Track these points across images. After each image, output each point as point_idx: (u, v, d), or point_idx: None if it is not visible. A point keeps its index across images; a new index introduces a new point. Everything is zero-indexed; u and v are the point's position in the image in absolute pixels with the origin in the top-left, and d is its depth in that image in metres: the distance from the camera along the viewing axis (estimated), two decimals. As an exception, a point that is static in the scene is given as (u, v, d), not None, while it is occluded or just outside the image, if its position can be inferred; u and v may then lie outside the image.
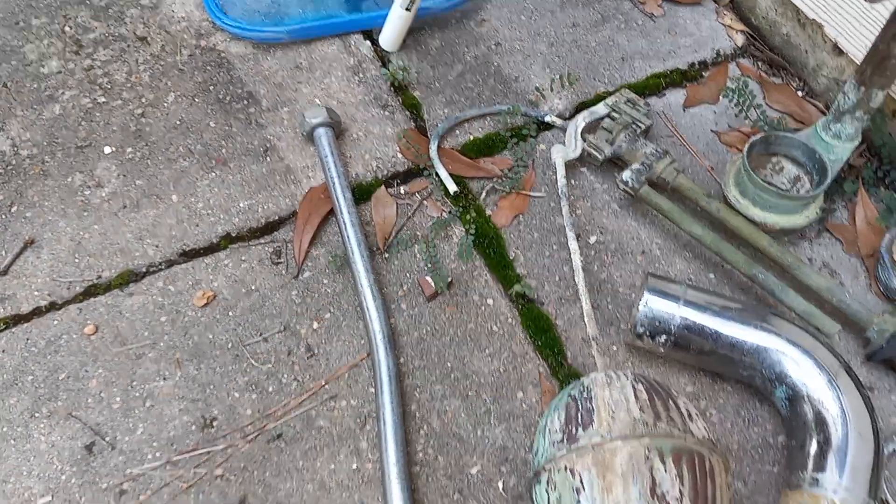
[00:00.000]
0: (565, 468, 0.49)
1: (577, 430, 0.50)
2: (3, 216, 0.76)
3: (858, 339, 0.67)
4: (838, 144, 0.71)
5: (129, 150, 0.80)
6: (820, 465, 0.55)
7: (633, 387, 0.52)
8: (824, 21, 0.79)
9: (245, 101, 0.84)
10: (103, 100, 0.84)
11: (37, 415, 0.65)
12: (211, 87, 0.85)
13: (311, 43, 0.88)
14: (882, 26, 0.62)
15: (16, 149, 0.81)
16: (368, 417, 0.64)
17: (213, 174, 0.78)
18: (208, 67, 0.86)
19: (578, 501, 0.48)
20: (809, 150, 0.71)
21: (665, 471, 0.47)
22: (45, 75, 0.87)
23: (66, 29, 0.91)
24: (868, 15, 0.74)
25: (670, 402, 0.52)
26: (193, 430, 0.64)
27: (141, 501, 0.61)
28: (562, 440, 0.51)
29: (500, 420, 0.64)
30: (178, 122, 0.82)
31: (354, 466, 0.62)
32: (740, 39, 0.87)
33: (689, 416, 0.52)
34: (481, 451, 0.62)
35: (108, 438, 0.64)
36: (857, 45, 0.76)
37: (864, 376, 0.65)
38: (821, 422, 0.57)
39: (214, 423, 0.64)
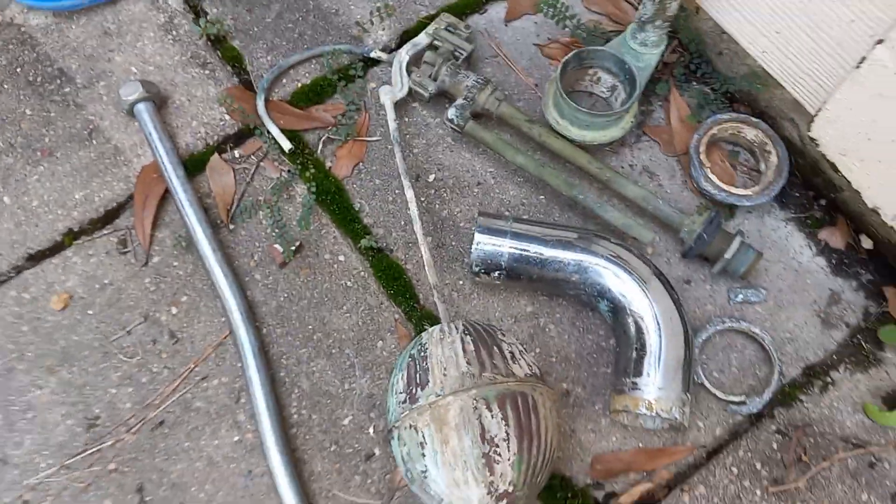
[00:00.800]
0: (410, 426, 0.56)
1: (416, 390, 0.57)
2: None
3: (675, 239, 0.74)
4: (646, 51, 0.75)
5: (-54, 151, 0.78)
6: (638, 371, 0.64)
7: (462, 340, 0.59)
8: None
9: (58, 81, 0.81)
10: None
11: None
12: (18, 70, 0.81)
13: (116, 3, 0.84)
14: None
15: None
16: (241, 391, 0.69)
17: (42, 167, 0.77)
18: (10, 46, 0.82)
19: (423, 454, 0.55)
20: (619, 61, 0.75)
21: (492, 416, 0.55)
22: None
23: None
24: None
25: (494, 348, 0.59)
26: (79, 432, 0.68)
27: (52, 493, 0.66)
28: (405, 401, 0.57)
29: (364, 371, 0.70)
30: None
31: (236, 438, 0.68)
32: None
33: (513, 357, 0.59)
34: (350, 402, 0.69)
35: (6, 447, 0.67)
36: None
37: (682, 271, 0.74)
38: (638, 330, 0.65)
39: (98, 422, 0.68)
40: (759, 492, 0.65)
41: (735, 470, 0.66)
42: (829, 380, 0.69)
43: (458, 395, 0.55)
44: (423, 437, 0.55)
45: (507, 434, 0.55)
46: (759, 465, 0.66)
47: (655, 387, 0.63)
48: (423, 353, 0.59)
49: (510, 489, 0.54)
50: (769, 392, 0.68)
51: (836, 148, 0.67)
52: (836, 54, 0.63)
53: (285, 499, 0.64)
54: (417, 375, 0.58)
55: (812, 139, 0.69)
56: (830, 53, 0.64)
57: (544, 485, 0.60)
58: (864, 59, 0.58)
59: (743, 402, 0.68)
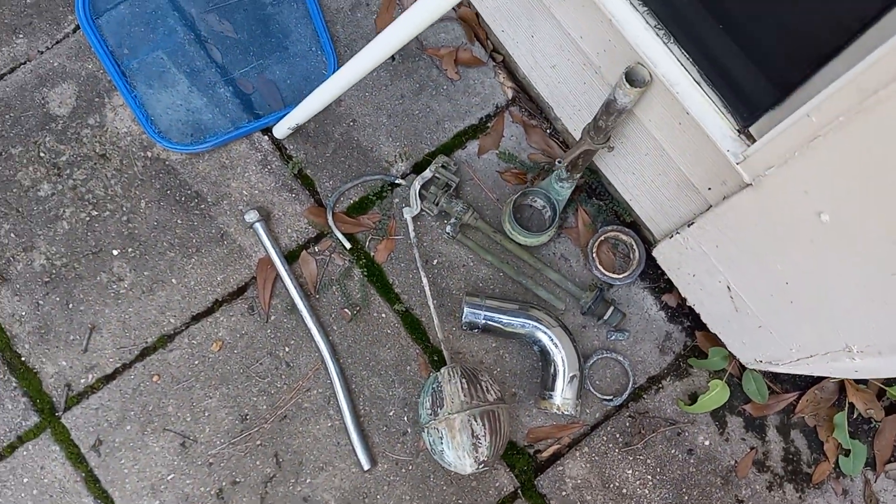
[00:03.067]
0: (434, 428, 1.07)
1: (437, 409, 1.08)
2: (67, 313, 1.19)
3: (577, 304, 1.25)
4: (563, 188, 1.22)
5: (130, 250, 1.22)
6: (552, 386, 1.16)
7: (460, 381, 1.09)
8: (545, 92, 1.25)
9: (196, 200, 1.24)
10: (95, 213, 1.23)
11: (145, 432, 1.17)
12: (168, 191, 1.25)
13: (227, 146, 1.26)
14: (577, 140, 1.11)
15: (51, 261, 1.21)
16: (330, 397, 1.19)
17: (194, 259, 1.22)
18: (161, 175, 1.25)
19: (441, 442, 1.07)
20: (547, 196, 1.22)
21: (478, 425, 1.06)
22: (43, 198, 1.23)
23: (41, 154, 1.25)
24: (574, 102, 1.20)
25: (477, 385, 1.09)
26: (237, 423, 1.18)
27: (223, 466, 1.16)
28: (430, 414, 1.08)
29: (400, 384, 1.20)
30: (155, 223, 1.23)
31: (329, 424, 1.18)
32: (510, 93, 1.32)
33: (487, 389, 1.10)
34: (393, 403, 1.20)
35: (191, 437, 1.17)
36: (569, 119, 1.23)
37: (581, 321, 1.24)
38: (552, 361, 1.16)
39: (248, 417, 1.18)
40: (617, 450, 1.19)
41: (605, 438, 1.20)
42: (660, 385, 1.23)
43: (459, 414, 1.06)
44: (441, 434, 1.07)
45: (484, 433, 1.06)
46: (618, 435, 1.20)
47: (561, 397, 1.15)
48: (439, 387, 1.09)
49: (486, 459, 1.07)
50: (626, 393, 1.21)
51: (664, 263, 1.17)
52: (670, 217, 1.12)
53: (360, 455, 1.16)
54: (437, 400, 1.08)
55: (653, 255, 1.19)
56: (666, 216, 1.13)
57: (503, 451, 1.13)
58: (677, 232, 1.07)
59: (611, 399, 1.21)
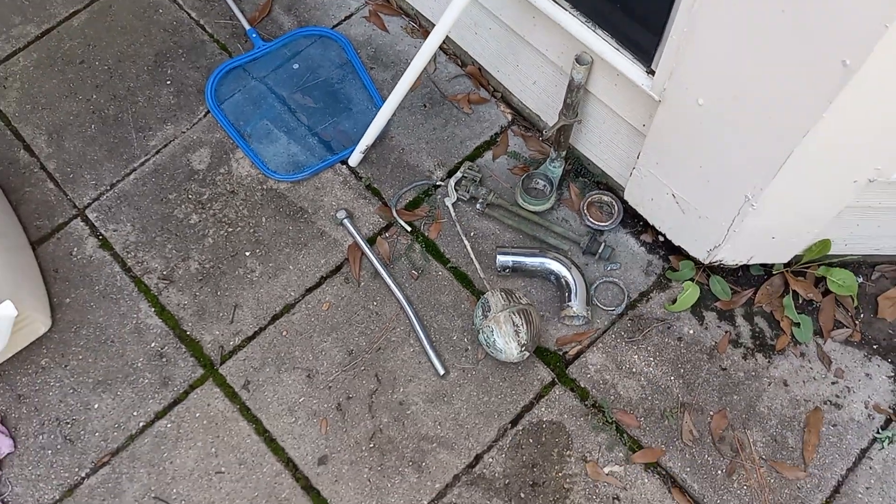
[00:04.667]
0: (486, 326, 1.49)
1: (486, 314, 1.50)
2: (216, 298, 1.65)
3: (579, 250, 1.69)
4: (556, 169, 1.71)
5: (257, 251, 1.70)
6: (569, 298, 1.57)
7: (500, 293, 1.52)
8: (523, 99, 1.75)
9: (300, 212, 1.73)
10: (230, 229, 1.72)
11: (280, 371, 1.58)
12: (281, 209, 1.74)
13: (318, 174, 1.77)
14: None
15: (201, 265, 1.69)
16: (409, 332, 1.61)
17: (303, 251, 1.69)
18: (274, 199, 1.75)
19: (493, 334, 1.48)
20: (545, 175, 1.70)
21: (517, 318, 1.47)
22: (193, 224, 1.73)
23: (189, 196, 1.76)
24: (552, 104, 1.70)
25: (513, 295, 1.52)
26: (346, 356, 1.59)
27: (338, 387, 1.56)
28: (482, 318, 1.50)
29: (458, 317, 1.62)
30: (274, 231, 1.72)
31: (411, 350, 1.59)
32: (509, 117, 1.83)
33: (520, 298, 1.52)
34: (454, 330, 1.61)
35: (314, 370, 1.58)
36: (552, 119, 1.72)
37: (583, 261, 1.67)
38: (567, 282, 1.58)
39: (353, 352, 1.60)
40: (624, 344, 1.58)
41: (614, 336, 1.59)
42: (649, 297, 1.64)
43: (502, 312, 1.48)
44: (492, 329, 1.48)
45: (522, 323, 1.47)
46: (623, 333, 1.59)
47: (577, 303, 1.56)
48: (486, 302, 1.52)
49: (526, 343, 1.47)
50: (623, 304, 1.62)
51: (632, 200, 1.62)
52: (629, 165, 1.58)
53: (436, 365, 1.56)
54: (485, 309, 1.51)
55: (626, 200, 1.64)
56: (627, 165, 1.59)
57: (536, 346, 1.53)
58: (634, 168, 1.53)
59: (614, 310, 1.62)
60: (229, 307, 1.64)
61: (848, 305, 1.59)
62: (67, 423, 1.55)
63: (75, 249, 1.71)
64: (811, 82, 1.02)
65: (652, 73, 1.30)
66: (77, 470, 1.51)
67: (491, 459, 1.49)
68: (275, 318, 1.63)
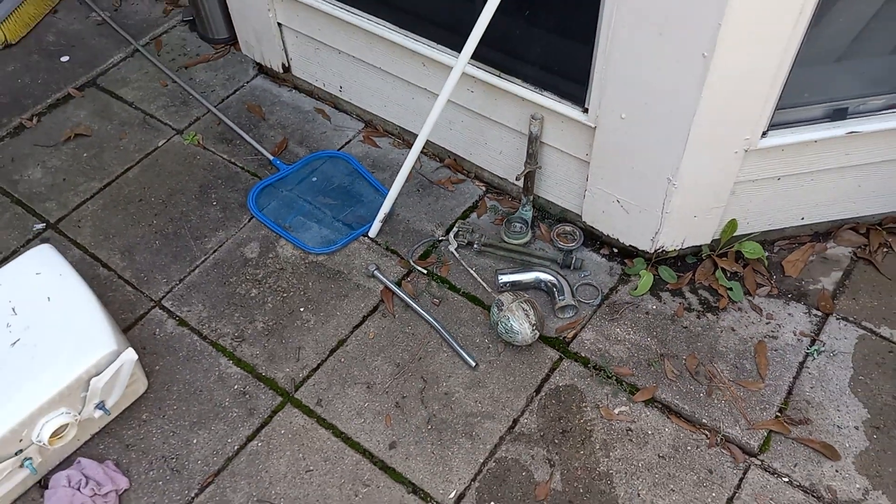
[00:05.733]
0: (504, 316, 1.89)
1: (501, 308, 1.91)
2: (283, 345, 2.01)
3: (557, 265, 2.15)
4: (527, 212, 2.21)
5: (310, 306, 2.08)
6: (562, 294, 2.01)
7: (508, 294, 1.95)
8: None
9: (338, 273, 2.15)
10: (285, 294, 2.11)
11: (344, 387, 1.92)
12: (322, 274, 2.15)
13: (346, 246, 2.22)
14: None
15: (266, 324, 2.05)
16: (441, 342, 1.99)
17: (345, 300, 2.09)
18: (315, 268, 2.17)
19: (509, 320, 1.88)
20: (520, 218, 2.20)
21: (526, 305, 1.89)
22: (254, 296, 2.11)
23: (247, 277, 2.16)
24: (517, 165, 2.24)
25: (518, 293, 1.95)
26: (395, 368, 1.94)
27: (394, 391, 1.90)
28: (498, 312, 1.91)
29: (477, 326, 2.02)
30: (319, 290, 2.12)
31: (446, 356, 1.96)
32: (483, 188, 2.36)
33: (524, 295, 1.95)
34: (476, 335, 1.99)
35: (371, 382, 1.92)
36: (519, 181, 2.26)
37: (562, 273, 2.13)
38: (555, 284, 2.03)
39: (399, 364, 1.95)
40: (607, 322, 2.01)
41: (598, 319, 2.01)
42: (616, 290, 2.09)
43: (513, 303, 1.90)
44: (507, 316, 1.89)
45: (530, 307, 1.89)
46: (605, 316, 2.02)
47: (567, 297, 2.00)
48: (499, 301, 1.94)
49: (536, 323, 1.88)
50: (600, 297, 2.06)
51: (590, 218, 2.12)
52: (580, 193, 2.10)
53: (468, 360, 1.93)
54: (500, 306, 1.92)
55: (584, 223, 2.15)
56: (579, 194, 2.11)
57: (542, 329, 1.94)
58: (586, 190, 2.05)
59: (592, 302, 2.06)
60: (294, 349, 2.00)
61: (762, 271, 2.09)
62: (172, 458, 1.82)
63: (157, 330, 2.06)
64: (687, 72, 1.59)
65: (586, 110, 1.87)
66: (187, 492, 1.76)
67: (526, 420, 1.83)
68: (332, 350, 1.99)
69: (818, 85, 1.78)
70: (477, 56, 1.97)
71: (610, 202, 2.00)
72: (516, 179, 2.12)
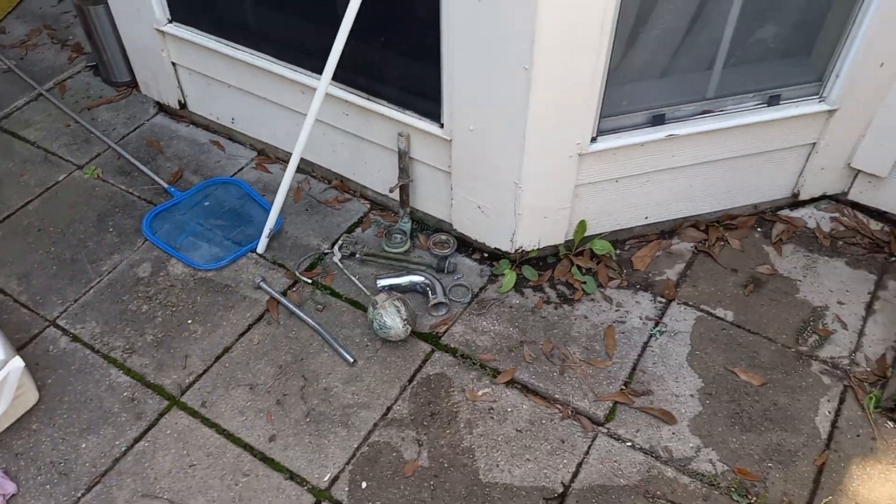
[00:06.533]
0: (377, 313, 2.03)
1: (374, 306, 2.06)
2: (171, 354, 2.10)
3: (433, 270, 2.31)
4: (406, 224, 2.38)
5: (198, 318, 2.19)
6: (435, 293, 2.17)
7: (382, 294, 2.09)
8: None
9: (227, 286, 2.26)
10: (174, 309, 2.21)
11: (228, 389, 2.02)
12: (211, 288, 2.26)
13: (236, 262, 2.34)
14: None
15: (156, 337, 2.15)
16: (324, 343, 2.12)
17: (232, 311, 2.20)
18: (205, 282, 2.28)
19: (382, 317, 2.02)
20: (400, 229, 2.37)
21: (398, 302, 2.04)
22: (145, 311, 2.20)
23: (139, 294, 2.25)
24: (393, 180, 2.41)
25: (391, 293, 2.10)
26: (278, 370, 2.05)
27: (276, 390, 2.01)
28: (373, 310, 2.05)
29: (357, 327, 2.16)
30: (208, 303, 2.22)
31: (328, 355, 2.09)
32: (368, 205, 2.52)
33: (396, 296, 2.10)
34: (356, 334, 2.13)
35: (254, 383, 2.02)
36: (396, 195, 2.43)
37: (438, 277, 2.29)
38: (429, 285, 2.19)
39: (282, 366, 2.07)
40: (476, 316, 2.17)
41: (468, 315, 2.18)
42: (486, 289, 2.25)
43: (385, 301, 2.05)
44: (381, 314, 2.03)
45: (400, 305, 2.04)
46: (473, 312, 2.19)
47: (439, 295, 2.16)
48: (374, 301, 2.09)
49: (407, 318, 2.03)
50: (471, 296, 2.23)
51: (459, 225, 2.30)
52: (448, 202, 2.28)
53: (346, 356, 2.06)
54: (374, 305, 2.07)
55: (455, 230, 2.33)
56: (447, 204, 2.29)
57: (414, 324, 2.09)
58: (452, 199, 2.23)
59: (463, 300, 2.22)
60: (182, 358, 2.09)
61: (614, 266, 2.30)
62: (60, 462, 1.88)
63: (51, 347, 2.13)
64: (515, 85, 1.80)
65: (442, 125, 2.07)
66: (73, 493, 1.82)
67: (398, 407, 1.96)
68: (218, 357, 2.09)
69: (637, 95, 2.01)
70: (348, 81, 2.16)
71: (473, 209, 2.19)
72: (390, 192, 2.29)
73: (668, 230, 2.39)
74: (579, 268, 2.28)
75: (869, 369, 2.00)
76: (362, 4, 1.86)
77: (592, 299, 2.21)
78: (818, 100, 2.13)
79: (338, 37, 1.91)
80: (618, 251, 2.33)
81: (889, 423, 1.89)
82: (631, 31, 1.86)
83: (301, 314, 2.16)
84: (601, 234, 2.30)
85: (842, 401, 1.94)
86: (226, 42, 2.39)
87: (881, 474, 1.79)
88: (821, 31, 2.05)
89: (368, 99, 2.17)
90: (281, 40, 2.26)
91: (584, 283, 2.24)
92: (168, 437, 1.91)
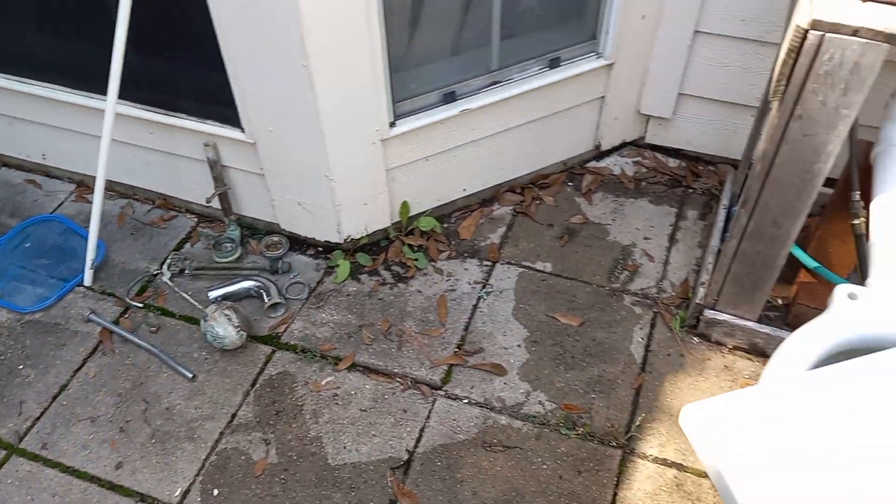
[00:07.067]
0: (209, 325, 2.04)
1: (205, 318, 2.06)
2: (4, 403, 2.03)
3: (268, 273, 2.33)
4: (234, 231, 2.38)
5: (29, 362, 2.12)
6: (270, 295, 2.19)
7: (212, 305, 2.10)
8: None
9: (57, 324, 2.20)
10: (2, 357, 2.13)
11: (68, 427, 1.97)
12: (41, 329, 2.19)
13: (65, 297, 2.27)
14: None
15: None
16: (163, 364, 2.10)
17: (65, 349, 2.14)
18: (32, 324, 2.20)
19: (214, 328, 2.03)
20: (228, 237, 2.37)
21: (228, 311, 2.05)
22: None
23: None
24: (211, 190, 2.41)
25: (221, 304, 2.11)
26: (118, 398, 2.03)
27: (117, 418, 1.98)
28: (204, 322, 2.06)
29: (194, 343, 2.15)
30: (39, 345, 2.16)
31: (167, 375, 2.08)
32: (195, 219, 2.50)
33: (227, 305, 2.11)
34: (193, 350, 2.13)
35: (97, 417, 1.99)
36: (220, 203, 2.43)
37: (274, 279, 2.32)
38: (263, 288, 2.21)
39: (122, 393, 2.04)
40: (315, 310, 2.22)
41: (306, 310, 2.22)
42: (323, 281, 2.30)
43: (215, 312, 2.06)
44: (212, 325, 2.03)
45: (231, 313, 2.05)
46: (312, 306, 2.23)
47: (273, 296, 2.18)
48: (204, 314, 2.09)
49: (240, 325, 2.05)
50: (307, 292, 2.27)
51: (288, 225, 2.33)
52: (269, 203, 2.31)
53: (184, 373, 2.06)
54: (204, 317, 2.07)
55: (285, 229, 2.35)
56: (268, 206, 2.32)
57: (250, 329, 2.11)
58: (272, 200, 2.26)
59: (301, 297, 2.26)
60: (16, 405, 2.02)
61: (442, 239, 2.39)
62: None
63: None
64: (298, 82, 1.84)
65: (244, 130, 2.09)
66: None
67: (243, 412, 1.98)
68: (55, 397, 2.04)
69: (426, 76, 2.10)
70: (146, 100, 2.14)
71: (294, 206, 2.22)
72: (207, 202, 2.28)
73: (489, 198, 2.51)
74: (410, 246, 2.36)
75: (674, 294, 2.19)
76: (136, 22, 1.85)
77: (425, 274, 2.30)
78: (596, 56, 2.28)
79: (114, 56, 1.89)
80: (445, 225, 2.43)
81: (695, 338, 2.08)
82: (402, 19, 1.94)
83: (135, 339, 2.13)
84: (426, 211, 2.39)
85: (653, 326, 2.11)
86: (18, 79, 2.30)
87: (690, 386, 1.97)
88: (586, -7, 2.21)
89: (167, 114, 2.16)
90: (72, 69, 2.21)
91: (416, 259, 2.32)
92: (10, 487, 1.85)
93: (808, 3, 1.42)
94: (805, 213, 1.67)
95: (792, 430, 1.12)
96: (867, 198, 1.73)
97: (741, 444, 1.10)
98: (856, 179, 1.80)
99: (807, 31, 1.39)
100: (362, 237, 2.32)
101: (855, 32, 1.36)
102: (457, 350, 2.08)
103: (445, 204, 2.44)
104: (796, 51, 1.43)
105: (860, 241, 1.80)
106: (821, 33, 1.38)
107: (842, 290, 1.40)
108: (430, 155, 2.23)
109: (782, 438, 1.10)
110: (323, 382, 2.02)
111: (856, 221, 1.79)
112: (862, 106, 1.44)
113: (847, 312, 1.35)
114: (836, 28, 1.36)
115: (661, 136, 2.59)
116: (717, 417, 1.16)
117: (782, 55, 1.49)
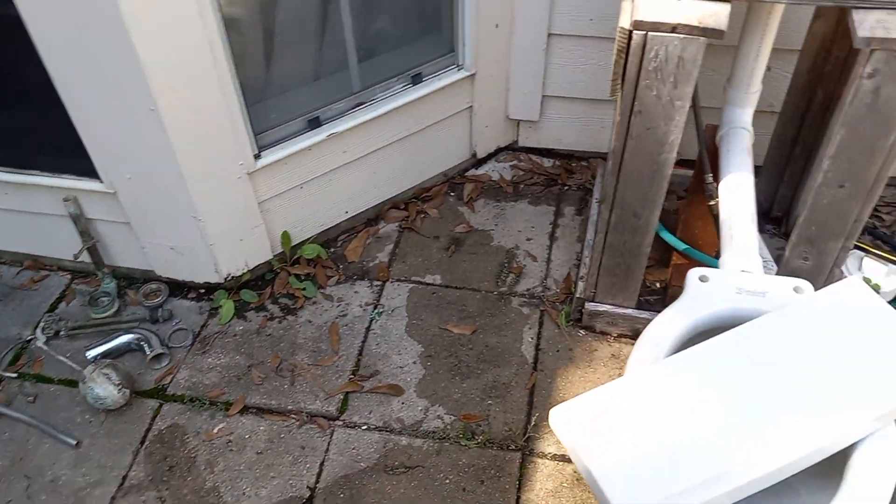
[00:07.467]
0: (88, 387, 1.93)
1: (83, 380, 1.95)
2: None
3: (149, 323, 2.24)
4: (110, 283, 2.27)
5: None
6: (149, 347, 2.10)
7: (90, 367, 1.99)
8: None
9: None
10: None
11: None
12: None
13: None
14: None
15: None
16: (43, 434, 1.98)
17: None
18: None
19: (95, 389, 1.93)
20: (104, 291, 2.26)
21: (106, 369, 1.95)
22: None
23: None
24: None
25: (101, 361, 2.00)
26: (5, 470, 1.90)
27: (8, 491, 1.85)
28: (83, 383, 1.95)
29: (78, 405, 2.04)
30: None
31: (48, 446, 1.95)
32: (69, 276, 2.38)
33: (105, 363, 2.01)
34: (81, 413, 2.02)
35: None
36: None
37: (156, 328, 2.22)
38: (143, 340, 2.11)
39: (1, 475, 1.91)
40: (202, 356, 2.14)
41: (190, 359, 2.14)
42: (208, 324, 2.23)
43: (93, 373, 1.95)
44: (91, 386, 1.93)
45: (110, 371, 1.96)
46: (197, 353, 2.15)
47: (155, 346, 2.09)
48: (82, 376, 1.98)
49: (121, 383, 1.95)
50: (192, 338, 2.19)
51: (162, 272, 2.24)
52: (143, 253, 2.21)
53: (67, 440, 1.94)
54: (82, 379, 1.97)
55: (161, 275, 2.26)
56: (145, 256, 2.22)
57: (133, 385, 2.01)
58: (143, 246, 2.17)
59: (185, 344, 2.18)
60: None
61: (330, 265, 2.36)
62: None
63: None
64: (149, 127, 1.77)
65: (101, 180, 1.99)
66: None
67: (134, 472, 1.89)
68: (-74, 486, 1.88)
69: (287, 105, 2.07)
70: (-8, 160, 2.01)
71: (167, 251, 2.14)
72: (75, 258, 2.17)
73: (373, 217, 2.49)
74: (297, 276, 2.31)
75: (558, 290, 2.23)
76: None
77: (314, 302, 2.26)
78: (457, 69, 2.31)
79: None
80: (331, 249, 2.40)
81: (581, 331, 2.12)
82: (253, 50, 1.90)
83: (11, 413, 2.00)
84: (309, 238, 2.36)
85: (541, 325, 2.15)
86: None
87: (581, 378, 2.01)
88: (441, 6, 2.23)
89: (19, 173, 2.04)
90: None
91: (304, 289, 2.28)
92: None
93: (630, 4, 1.48)
94: (660, 201, 1.73)
95: (648, 420, 1.15)
96: (719, 179, 1.81)
97: (605, 443, 1.13)
98: (706, 162, 1.88)
99: (631, 31, 1.44)
100: (244, 273, 2.26)
101: (673, 29, 1.42)
102: (352, 376, 2.05)
103: (329, 228, 2.41)
104: (625, 50, 1.48)
105: (717, 220, 1.88)
106: (643, 32, 1.43)
107: (693, 274, 1.46)
108: (303, 182, 2.19)
109: (641, 429, 1.14)
110: (215, 430, 1.96)
111: (711, 203, 1.87)
112: (707, 92, 1.51)
113: (698, 295, 1.41)
114: (656, 27, 1.42)
115: (533, 139, 2.64)
116: (581, 417, 1.18)
117: (614, 55, 1.54)
